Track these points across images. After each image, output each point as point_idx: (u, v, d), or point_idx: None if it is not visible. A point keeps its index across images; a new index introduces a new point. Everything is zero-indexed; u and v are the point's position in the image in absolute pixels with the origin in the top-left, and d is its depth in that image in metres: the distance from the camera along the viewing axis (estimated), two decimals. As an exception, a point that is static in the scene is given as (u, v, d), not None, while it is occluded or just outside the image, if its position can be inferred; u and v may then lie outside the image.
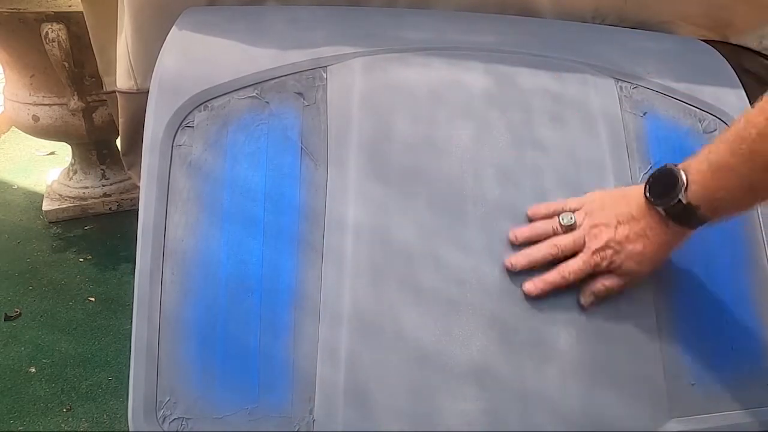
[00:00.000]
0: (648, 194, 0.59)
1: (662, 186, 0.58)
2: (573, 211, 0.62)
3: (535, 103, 0.69)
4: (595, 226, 0.61)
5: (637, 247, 0.59)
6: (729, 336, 0.65)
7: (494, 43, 0.73)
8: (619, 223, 0.60)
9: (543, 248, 0.62)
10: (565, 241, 0.61)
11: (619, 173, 0.67)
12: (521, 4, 0.80)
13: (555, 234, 0.62)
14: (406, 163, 0.64)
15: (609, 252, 0.60)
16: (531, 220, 0.64)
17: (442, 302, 0.60)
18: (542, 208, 0.64)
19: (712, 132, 0.72)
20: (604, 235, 0.60)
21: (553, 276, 0.61)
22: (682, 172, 0.56)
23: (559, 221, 0.62)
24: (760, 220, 0.69)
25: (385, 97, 0.66)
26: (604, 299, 0.61)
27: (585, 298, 0.61)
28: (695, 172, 0.56)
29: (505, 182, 0.65)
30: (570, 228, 0.62)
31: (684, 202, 0.56)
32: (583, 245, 0.61)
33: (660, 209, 0.58)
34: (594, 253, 0.60)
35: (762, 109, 0.51)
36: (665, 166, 0.58)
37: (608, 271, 0.60)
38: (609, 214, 0.61)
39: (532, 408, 0.58)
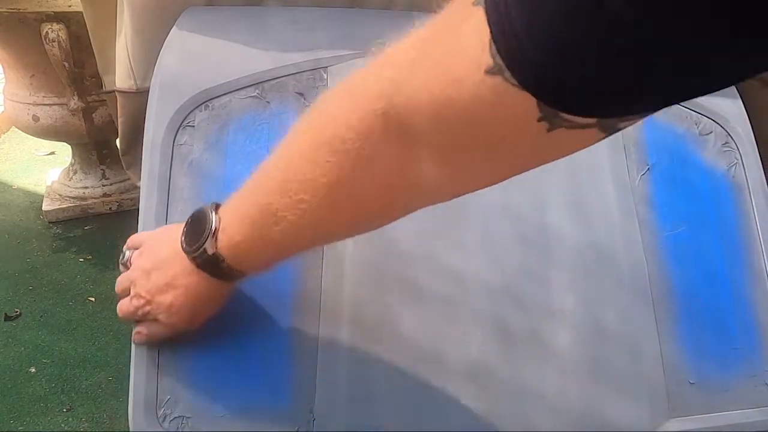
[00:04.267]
0: (182, 239, 0.51)
1: (194, 232, 0.50)
2: (136, 247, 0.56)
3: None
4: (136, 269, 0.54)
5: (166, 298, 0.52)
6: (729, 336, 0.65)
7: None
8: (154, 268, 0.53)
9: (118, 285, 0.57)
10: (120, 279, 0.56)
11: (616, 175, 0.68)
12: None
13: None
14: (406, 163, 0.64)
15: (141, 302, 0.53)
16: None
17: (441, 302, 0.60)
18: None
19: (707, 134, 0.72)
20: (139, 283, 0.53)
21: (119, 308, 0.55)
22: (215, 217, 0.49)
23: (120, 257, 0.57)
24: (756, 220, 0.69)
25: (385, 97, 0.66)
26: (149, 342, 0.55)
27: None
28: (230, 213, 0.48)
29: (503, 183, 0.65)
30: (125, 265, 0.56)
31: (210, 252, 0.48)
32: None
33: (189, 257, 0.50)
34: (132, 298, 0.54)
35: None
36: (202, 207, 0.50)
37: (149, 318, 0.54)
38: (150, 256, 0.54)
39: (531, 407, 0.58)
